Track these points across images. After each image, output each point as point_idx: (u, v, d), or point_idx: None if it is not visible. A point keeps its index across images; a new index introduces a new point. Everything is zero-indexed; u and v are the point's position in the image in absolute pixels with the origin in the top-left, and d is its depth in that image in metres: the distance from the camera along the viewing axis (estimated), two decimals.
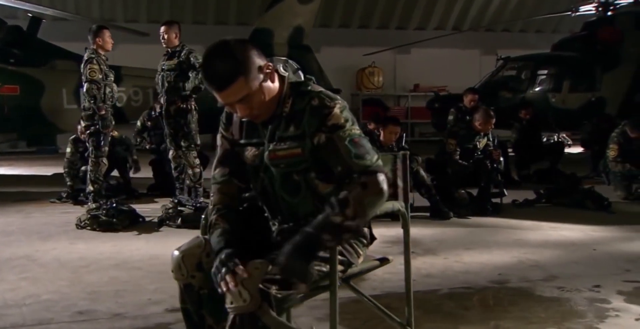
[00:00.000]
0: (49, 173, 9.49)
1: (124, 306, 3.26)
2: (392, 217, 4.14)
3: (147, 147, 7.57)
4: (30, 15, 10.78)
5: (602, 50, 12.74)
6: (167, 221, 5.37)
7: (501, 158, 6.15)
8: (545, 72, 12.79)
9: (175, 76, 6.18)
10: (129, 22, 15.16)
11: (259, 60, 1.94)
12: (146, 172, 7.86)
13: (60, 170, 9.81)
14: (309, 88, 2.05)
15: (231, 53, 1.91)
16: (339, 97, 2.06)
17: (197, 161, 6.39)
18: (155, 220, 5.50)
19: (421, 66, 17.02)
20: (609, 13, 13.27)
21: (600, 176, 7.92)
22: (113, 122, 6.45)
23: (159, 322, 3.05)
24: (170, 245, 4.65)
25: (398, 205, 2.26)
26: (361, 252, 2.19)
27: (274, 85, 2.00)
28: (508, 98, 12.27)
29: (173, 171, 6.50)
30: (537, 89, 12.59)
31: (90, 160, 6.33)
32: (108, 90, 6.29)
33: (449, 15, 17.78)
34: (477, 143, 6.18)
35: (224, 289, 1.85)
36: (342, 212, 1.86)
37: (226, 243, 1.98)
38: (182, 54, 6.16)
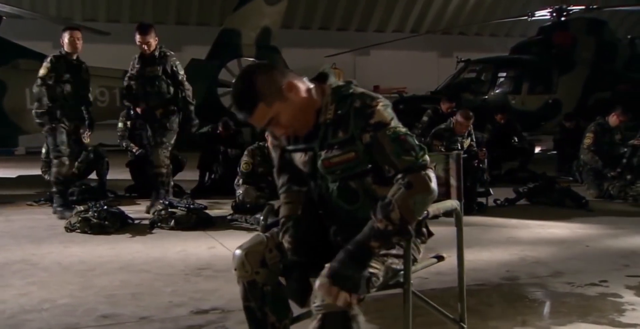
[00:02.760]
0: (13, 176, 9.22)
1: (147, 310, 3.22)
2: None
3: (134, 151, 7.35)
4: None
5: (557, 54, 13.20)
6: (159, 223, 5.31)
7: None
8: (505, 74, 13.17)
9: (160, 83, 6.10)
10: (87, 21, 14.85)
11: (280, 81, 1.99)
12: (119, 173, 7.74)
13: (22, 171, 9.63)
14: (351, 91, 2.08)
15: (250, 81, 1.99)
16: (380, 96, 2.10)
17: (167, 161, 6.18)
18: (145, 221, 5.44)
19: (381, 68, 17.25)
20: (563, 18, 13.76)
21: (568, 176, 8.24)
22: (66, 121, 6.04)
23: (189, 324, 3.03)
24: (168, 247, 4.68)
25: (456, 203, 2.32)
26: (421, 249, 2.25)
27: (301, 100, 2.03)
28: (470, 99, 12.55)
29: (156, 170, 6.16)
30: (497, 91, 12.93)
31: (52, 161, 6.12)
32: (59, 89, 5.98)
33: (408, 18, 18.08)
34: (461, 143, 6.33)
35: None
36: (387, 217, 1.89)
37: (294, 264, 2.05)
38: (166, 63, 6.07)
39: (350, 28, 17.89)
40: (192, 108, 6.18)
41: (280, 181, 2.24)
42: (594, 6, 14.07)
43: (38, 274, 3.90)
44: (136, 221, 5.51)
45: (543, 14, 13.86)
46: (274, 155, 2.28)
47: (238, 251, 2.11)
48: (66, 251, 4.55)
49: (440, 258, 2.36)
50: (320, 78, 2.14)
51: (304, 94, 2.04)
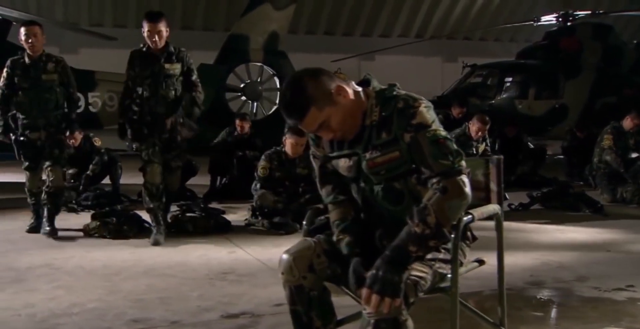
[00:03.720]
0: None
1: (177, 314, 3.22)
2: None
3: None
4: (0, 16, 10.48)
5: (564, 59, 13.21)
6: (178, 228, 5.32)
7: None
8: (511, 79, 13.17)
9: (176, 86, 5.01)
10: (93, 26, 14.91)
11: (329, 85, 2.02)
12: (130, 178, 7.73)
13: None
14: (394, 93, 2.10)
15: (300, 86, 2.01)
16: (423, 98, 2.12)
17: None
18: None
19: (385, 73, 17.15)
20: (569, 23, 13.78)
21: (578, 181, 8.25)
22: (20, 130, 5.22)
23: None
24: (188, 251, 4.69)
25: (497, 208, 2.33)
26: (466, 253, 2.25)
27: (350, 103, 2.05)
28: (477, 104, 12.56)
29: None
30: (504, 96, 12.93)
31: None
32: (16, 98, 5.17)
33: (412, 23, 18.12)
34: (476, 148, 6.35)
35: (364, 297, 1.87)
36: (423, 221, 1.91)
37: (355, 255, 2.06)
38: (185, 60, 5.05)
39: (355, 33, 17.93)
40: (198, 112, 5.23)
41: (324, 192, 2.26)
42: (600, 11, 14.12)
43: (63, 278, 3.91)
44: (153, 226, 5.50)
45: (549, 19, 13.86)
46: (315, 166, 2.30)
47: (285, 256, 2.12)
48: (88, 255, 4.55)
49: (481, 262, 2.37)
50: (363, 84, 2.16)
51: (352, 97, 2.06)
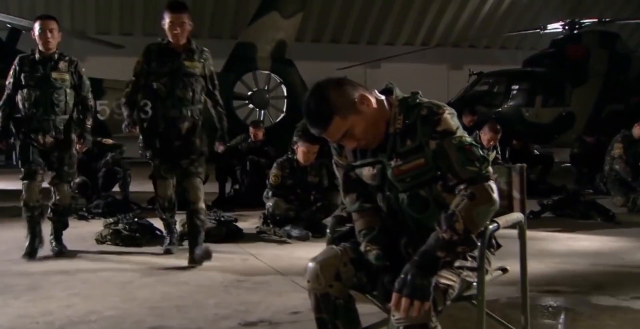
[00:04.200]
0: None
1: (194, 322, 3.22)
2: None
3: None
4: (9, 26, 10.56)
5: (570, 67, 13.22)
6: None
7: None
8: (518, 87, 13.19)
9: (197, 86, 4.56)
10: (100, 34, 14.96)
11: (353, 94, 2.03)
12: (138, 185, 7.74)
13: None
14: (417, 101, 2.12)
15: (323, 96, 2.02)
16: (446, 105, 2.13)
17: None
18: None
19: (391, 80, 17.28)
20: (575, 31, 13.80)
21: (588, 189, 8.25)
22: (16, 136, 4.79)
23: None
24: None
25: (521, 216, 2.33)
26: (491, 261, 2.25)
27: (373, 111, 2.06)
28: (484, 112, 12.56)
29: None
30: (511, 103, 12.94)
31: None
32: (19, 97, 4.70)
33: (418, 31, 18.15)
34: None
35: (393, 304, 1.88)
36: (451, 228, 1.92)
37: (385, 269, 2.07)
38: (207, 62, 4.61)
39: (361, 41, 17.97)
40: (224, 120, 4.77)
41: (348, 200, 2.27)
42: (606, 19, 14.14)
43: (78, 286, 3.91)
44: (166, 235, 5.50)
45: (555, 27, 13.89)
46: (338, 175, 2.30)
47: (312, 264, 2.12)
48: (101, 263, 4.56)
49: (504, 271, 2.36)
50: (385, 92, 2.17)
51: (375, 106, 2.07)
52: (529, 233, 5.83)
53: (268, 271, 4.31)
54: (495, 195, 1.99)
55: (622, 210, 6.96)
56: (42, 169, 4.77)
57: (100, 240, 5.18)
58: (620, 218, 6.37)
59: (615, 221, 6.16)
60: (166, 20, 4.47)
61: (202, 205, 4.63)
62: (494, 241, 2.27)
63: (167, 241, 4.92)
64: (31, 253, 4.66)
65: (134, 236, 5.14)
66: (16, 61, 4.72)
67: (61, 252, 4.79)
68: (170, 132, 4.57)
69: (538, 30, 14.30)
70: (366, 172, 2.18)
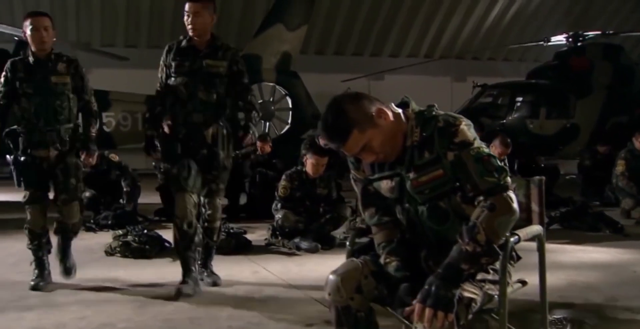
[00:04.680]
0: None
1: None
2: None
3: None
4: (16, 38, 10.60)
5: (574, 79, 13.24)
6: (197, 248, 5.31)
7: None
8: (522, 99, 13.20)
9: (220, 87, 4.02)
10: (105, 46, 15.03)
11: (370, 108, 2.04)
12: (144, 197, 7.75)
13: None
14: (434, 113, 2.13)
15: (341, 110, 2.04)
16: (462, 116, 2.14)
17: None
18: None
19: (394, 92, 17.14)
20: (579, 44, 13.84)
21: (595, 201, 8.25)
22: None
23: None
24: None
25: (540, 229, 2.33)
26: (512, 273, 2.25)
27: (391, 125, 2.07)
28: (488, 124, 12.58)
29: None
30: (515, 116, 12.95)
31: None
32: (15, 108, 4.13)
33: (421, 43, 18.21)
34: None
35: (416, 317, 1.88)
36: (474, 239, 1.93)
37: (405, 279, 2.07)
38: (234, 59, 4.06)
39: (364, 53, 18.03)
40: (255, 113, 4.18)
41: (367, 214, 2.27)
42: (610, 31, 14.19)
43: (90, 297, 3.91)
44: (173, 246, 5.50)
45: (559, 39, 13.94)
46: (356, 189, 2.31)
47: (333, 277, 2.12)
48: (112, 274, 4.54)
49: (524, 283, 2.36)
50: (401, 106, 2.19)
51: (392, 119, 2.08)
52: (533, 245, 5.84)
53: (279, 284, 4.30)
54: (515, 205, 2.01)
55: (630, 222, 6.96)
56: (49, 191, 4.24)
57: (110, 251, 5.18)
58: (629, 230, 6.36)
59: (624, 233, 6.15)
60: (186, 13, 3.96)
61: (218, 224, 4.25)
62: (514, 253, 2.27)
63: (183, 280, 4.00)
64: (38, 285, 4.08)
65: (144, 248, 5.13)
66: (7, 66, 4.07)
67: (70, 271, 4.25)
68: (194, 139, 4.00)
69: (542, 43, 14.34)
70: (384, 185, 2.19)
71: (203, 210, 4.17)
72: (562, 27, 16.41)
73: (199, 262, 4.23)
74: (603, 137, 10.66)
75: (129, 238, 5.22)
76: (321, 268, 4.78)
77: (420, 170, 2.08)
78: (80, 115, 4.26)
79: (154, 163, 7.49)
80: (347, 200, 6.41)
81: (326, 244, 5.48)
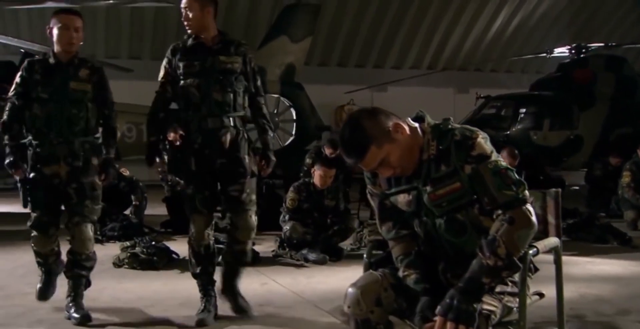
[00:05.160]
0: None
1: None
2: None
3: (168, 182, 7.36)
4: (22, 50, 10.65)
5: (578, 90, 13.27)
6: None
7: None
8: (526, 110, 13.22)
9: (237, 86, 3.59)
10: (109, 58, 15.06)
11: (387, 123, 2.05)
12: (153, 209, 7.75)
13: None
14: (449, 126, 2.14)
15: (358, 126, 2.06)
16: (478, 129, 2.15)
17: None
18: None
19: (398, 104, 17.23)
20: (582, 55, 13.89)
21: (601, 212, 8.23)
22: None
23: None
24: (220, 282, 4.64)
25: (557, 241, 2.33)
26: (530, 286, 2.25)
27: (408, 139, 2.09)
28: (492, 135, 12.55)
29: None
30: (519, 127, 12.97)
31: None
32: (26, 115, 3.64)
33: (424, 55, 18.26)
34: None
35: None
36: (494, 253, 1.94)
37: (425, 291, 2.07)
38: (247, 56, 3.67)
39: (367, 65, 18.07)
40: (270, 132, 3.74)
41: (384, 228, 2.28)
42: (612, 43, 14.23)
43: (99, 309, 3.89)
44: (182, 257, 5.50)
45: (562, 51, 13.99)
46: (373, 203, 2.32)
47: (352, 289, 2.12)
48: (120, 286, 4.54)
49: (541, 295, 2.36)
50: (417, 120, 2.20)
51: (409, 133, 2.09)
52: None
53: (288, 296, 4.29)
54: (534, 218, 2.02)
55: (637, 234, 6.93)
56: (59, 215, 3.74)
57: (118, 263, 5.17)
58: (637, 241, 6.34)
59: (631, 245, 6.14)
60: (184, 6, 3.62)
61: (250, 245, 3.75)
62: (531, 265, 2.27)
63: (201, 306, 3.68)
64: (44, 293, 3.85)
65: (152, 260, 5.13)
66: (24, 66, 3.68)
67: (86, 318, 3.59)
68: (210, 147, 3.56)
69: (545, 54, 14.40)
70: (402, 199, 2.19)
71: (231, 229, 3.67)
72: (564, 39, 16.49)
73: (223, 286, 3.73)
74: (615, 149, 10.63)
75: (137, 249, 5.22)
76: (330, 279, 4.78)
77: (438, 183, 2.09)
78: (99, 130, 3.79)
79: (160, 177, 7.51)
80: (352, 211, 6.42)
81: (334, 255, 5.47)
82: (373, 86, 15.70)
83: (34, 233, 3.73)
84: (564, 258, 5.58)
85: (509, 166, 2.08)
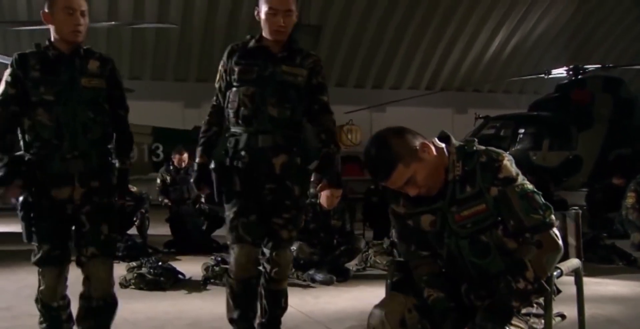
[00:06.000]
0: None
1: None
2: None
3: (167, 204, 7.42)
4: None
5: (576, 111, 13.36)
6: (213, 280, 5.29)
7: None
8: (525, 130, 13.29)
9: (297, 99, 3.11)
10: None
11: (414, 142, 2.08)
12: (156, 228, 7.73)
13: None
14: (474, 148, 2.16)
15: (386, 144, 2.09)
16: (504, 151, 2.17)
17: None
18: (194, 278, 5.42)
19: (396, 124, 17.25)
20: (580, 76, 14.00)
21: (604, 233, 8.24)
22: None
23: None
24: None
25: (578, 263, 2.35)
26: (553, 307, 2.26)
27: (434, 159, 2.11)
28: None
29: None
30: (518, 147, 13.02)
31: None
32: (26, 123, 2.89)
33: (423, 76, 18.40)
34: None
35: None
36: (523, 277, 1.96)
37: (451, 312, 2.09)
38: (313, 65, 3.16)
39: (366, 85, 18.19)
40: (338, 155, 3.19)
41: (405, 248, 2.29)
42: (610, 65, 14.37)
43: None
44: (187, 277, 5.49)
45: (560, 72, 14.10)
46: (395, 223, 2.32)
47: (377, 310, 2.12)
48: (128, 307, 4.48)
49: (563, 317, 2.36)
50: (442, 140, 2.22)
51: (435, 154, 2.11)
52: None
53: (297, 316, 4.27)
54: (560, 242, 2.05)
55: None
56: (69, 243, 3.01)
57: (125, 284, 5.15)
58: None
59: (637, 265, 6.14)
60: (263, 8, 3.08)
61: (285, 285, 3.29)
62: (555, 287, 2.28)
63: None
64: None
65: (159, 281, 5.11)
66: (14, 61, 2.89)
67: None
68: (258, 169, 3.08)
69: (543, 75, 14.51)
70: (424, 219, 2.20)
71: (267, 266, 3.18)
72: (561, 60, 16.62)
73: None
74: (618, 169, 10.68)
75: (144, 270, 5.20)
76: (338, 300, 4.77)
77: (463, 204, 2.10)
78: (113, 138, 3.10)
79: (160, 199, 7.52)
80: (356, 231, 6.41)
81: (341, 276, 5.46)
82: (372, 106, 15.78)
83: (42, 271, 2.97)
84: (571, 279, 5.60)
85: (535, 190, 2.10)
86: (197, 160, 3.22)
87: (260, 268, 3.16)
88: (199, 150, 3.22)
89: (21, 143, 2.95)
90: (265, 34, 3.14)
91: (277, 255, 3.16)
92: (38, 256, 2.96)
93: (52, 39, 2.96)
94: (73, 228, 2.99)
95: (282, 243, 3.16)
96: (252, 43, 3.17)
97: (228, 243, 3.15)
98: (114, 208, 3.05)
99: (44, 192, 2.88)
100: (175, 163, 7.73)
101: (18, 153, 2.93)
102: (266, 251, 3.16)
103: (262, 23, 3.12)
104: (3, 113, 2.87)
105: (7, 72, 2.89)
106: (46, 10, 2.93)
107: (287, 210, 3.14)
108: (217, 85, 3.23)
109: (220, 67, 3.21)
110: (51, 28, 2.96)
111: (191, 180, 3.30)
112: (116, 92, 3.07)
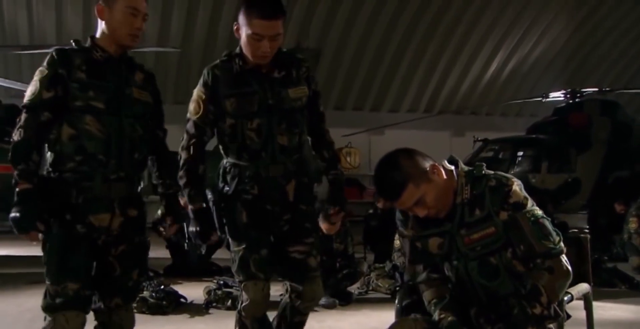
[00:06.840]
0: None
1: None
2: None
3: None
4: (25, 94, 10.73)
5: (574, 134, 13.43)
6: (215, 303, 5.26)
7: None
8: (524, 153, 13.34)
9: (304, 118, 2.88)
10: None
11: (424, 163, 2.11)
12: (155, 251, 7.68)
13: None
14: (483, 172, 2.19)
15: (397, 165, 2.13)
16: (512, 176, 2.20)
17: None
18: (196, 301, 5.40)
19: (395, 147, 17.08)
20: (577, 100, 14.11)
21: (604, 256, 8.23)
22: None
23: None
24: (232, 327, 4.59)
25: (588, 287, 2.36)
26: None
27: (444, 181, 2.14)
28: None
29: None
30: (517, 170, 13.04)
31: None
32: (64, 133, 2.47)
33: (421, 99, 18.51)
34: None
35: None
36: (538, 302, 1.98)
37: None
38: (307, 72, 2.89)
39: (364, 108, 18.29)
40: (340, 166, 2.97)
41: (414, 271, 2.30)
42: (606, 88, 14.49)
43: None
44: (189, 301, 5.45)
45: (557, 95, 14.21)
46: (405, 246, 2.34)
47: None
48: None
49: None
50: (451, 163, 2.24)
51: (445, 176, 2.13)
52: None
53: None
54: (570, 268, 2.06)
55: None
56: (92, 285, 2.50)
57: None
58: None
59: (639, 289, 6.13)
60: (245, 30, 2.66)
61: (305, 317, 3.04)
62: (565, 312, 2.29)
63: None
64: None
65: (161, 304, 5.08)
66: (53, 58, 2.46)
67: None
68: (269, 200, 2.79)
69: (540, 98, 14.61)
70: (432, 242, 2.22)
71: (295, 299, 2.92)
72: (558, 83, 16.77)
73: None
74: (620, 196, 10.70)
75: (146, 293, 5.17)
76: (341, 324, 4.75)
77: (472, 227, 2.12)
78: (151, 161, 2.76)
79: (157, 225, 7.41)
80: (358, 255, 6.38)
81: (343, 300, 5.44)
82: (370, 129, 15.86)
83: (60, 314, 2.36)
84: (574, 303, 5.60)
85: (544, 216, 2.13)
86: (192, 206, 2.73)
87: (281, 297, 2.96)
88: (189, 191, 2.72)
89: (48, 157, 2.46)
90: (246, 53, 2.73)
91: (311, 289, 2.86)
92: (60, 296, 2.34)
93: (99, 36, 2.56)
94: (97, 270, 2.51)
95: (311, 272, 2.84)
96: (235, 66, 2.76)
97: (237, 279, 2.88)
98: (147, 248, 2.72)
99: (80, 218, 2.43)
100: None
101: (43, 173, 2.46)
102: (291, 284, 2.90)
103: (243, 44, 2.73)
104: (32, 124, 2.39)
105: (41, 72, 2.46)
106: (102, 4, 2.54)
107: (309, 234, 2.85)
108: (194, 118, 2.75)
109: (196, 96, 2.78)
110: (101, 24, 2.55)
111: (191, 229, 2.78)
112: (158, 110, 2.75)
